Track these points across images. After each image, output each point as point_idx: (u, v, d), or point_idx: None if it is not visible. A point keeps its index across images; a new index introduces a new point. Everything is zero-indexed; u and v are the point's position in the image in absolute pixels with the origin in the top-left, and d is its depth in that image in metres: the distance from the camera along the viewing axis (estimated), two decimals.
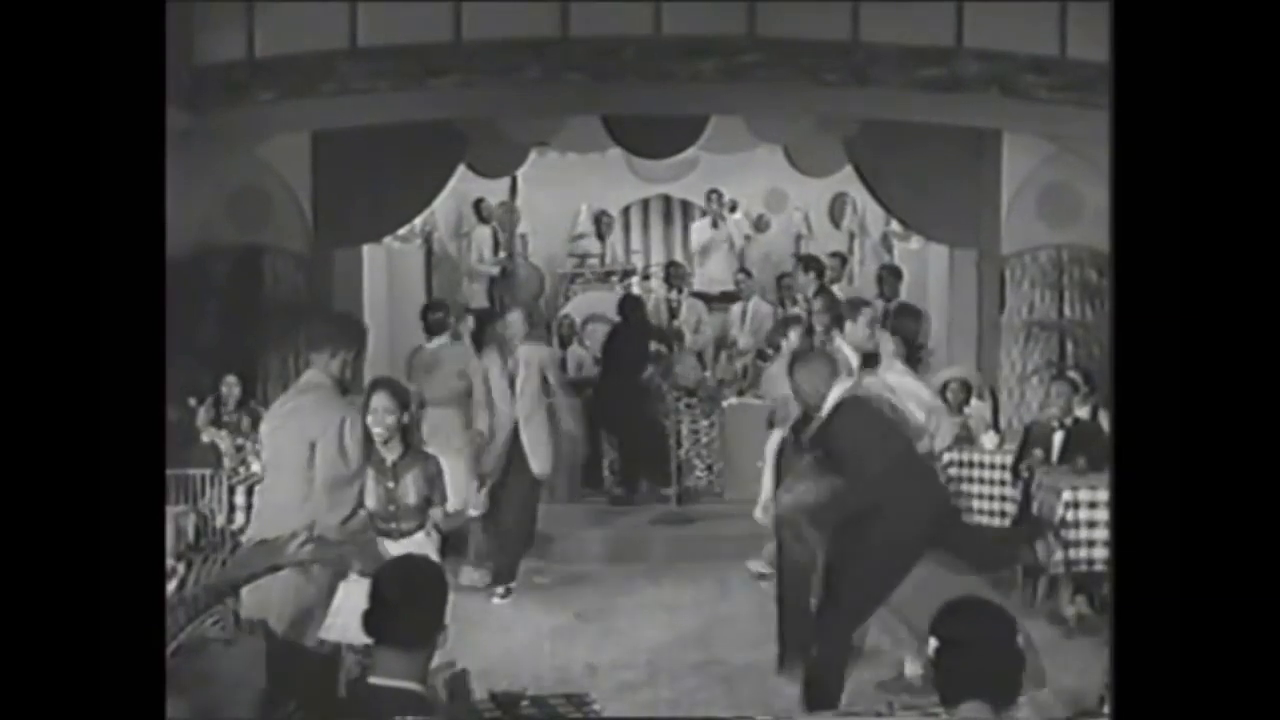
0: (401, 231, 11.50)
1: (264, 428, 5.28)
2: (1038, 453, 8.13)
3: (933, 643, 3.10)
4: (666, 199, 14.04)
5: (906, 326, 8.59)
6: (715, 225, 13.24)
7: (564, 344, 11.93)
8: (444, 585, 3.45)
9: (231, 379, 9.06)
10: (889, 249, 12.89)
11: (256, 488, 5.60)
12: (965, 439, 8.99)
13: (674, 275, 12.59)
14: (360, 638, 3.41)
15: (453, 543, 8.04)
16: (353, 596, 4.53)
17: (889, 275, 11.43)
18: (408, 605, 3.28)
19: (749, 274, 12.67)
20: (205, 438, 8.57)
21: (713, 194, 13.20)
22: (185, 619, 3.92)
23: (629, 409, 10.67)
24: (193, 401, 8.75)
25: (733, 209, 13.37)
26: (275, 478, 5.05)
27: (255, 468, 8.30)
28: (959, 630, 3.10)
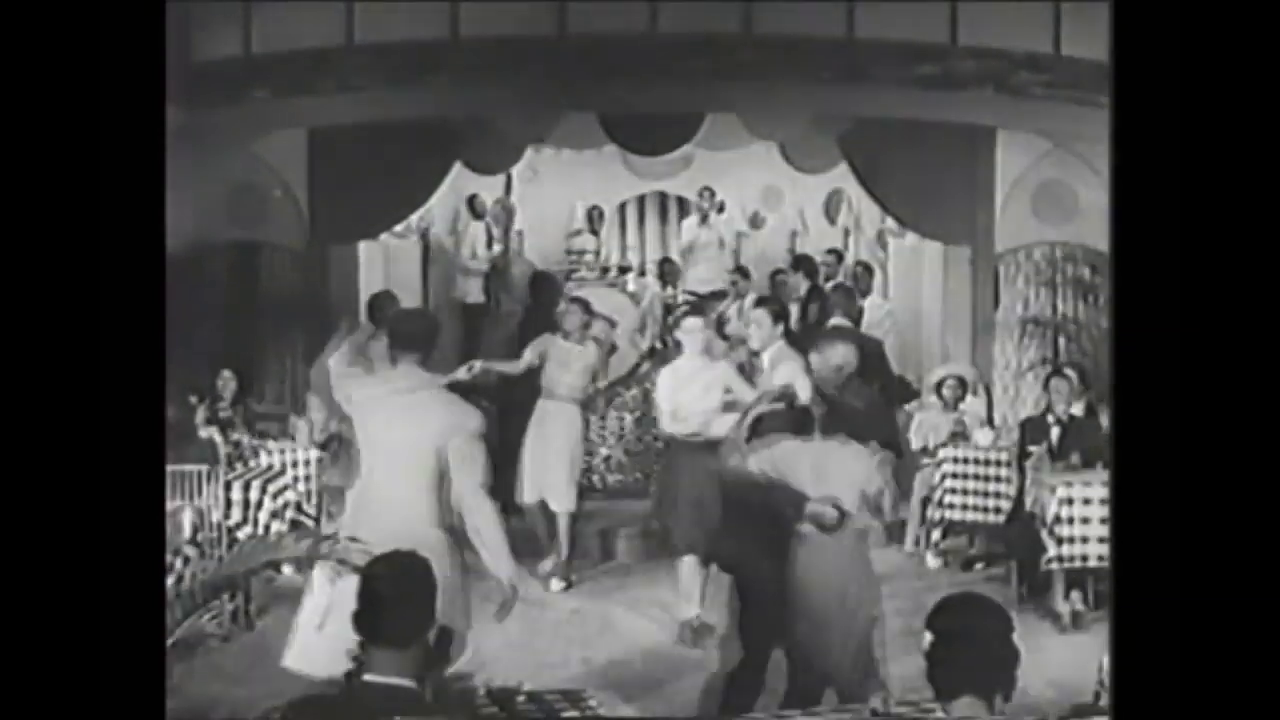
0: (398, 228, 11.50)
1: (364, 427, 4.93)
2: (1041, 446, 8.13)
3: (928, 636, 3.11)
4: (662, 195, 14.03)
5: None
6: (704, 223, 13.22)
7: None
8: (432, 581, 3.43)
9: (227, 374, 9.06)
10: (884, 246, 12.91)
11: (355, 487, 5.28)
12: (960, 435, 9.00)
13: (668, 272, 12.56)
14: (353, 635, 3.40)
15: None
16: (349, 594, 4.52)
17: (862, 272, 11.51)
18: (396, 603, 3.26)
19: (744, 273, 12.62)
20: (203, 434, 8.56)
21: (704, 191, 13.17)
22: (183, 614, 3.93)
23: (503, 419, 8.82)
24: (194, 399, 8.74)
25: (720, 209, 13.34)
26: (387, 478, 4.77)
27: (253, 463, 8.31)
28: (954, 624, 3.11)
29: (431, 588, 3.40)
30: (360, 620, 3.26)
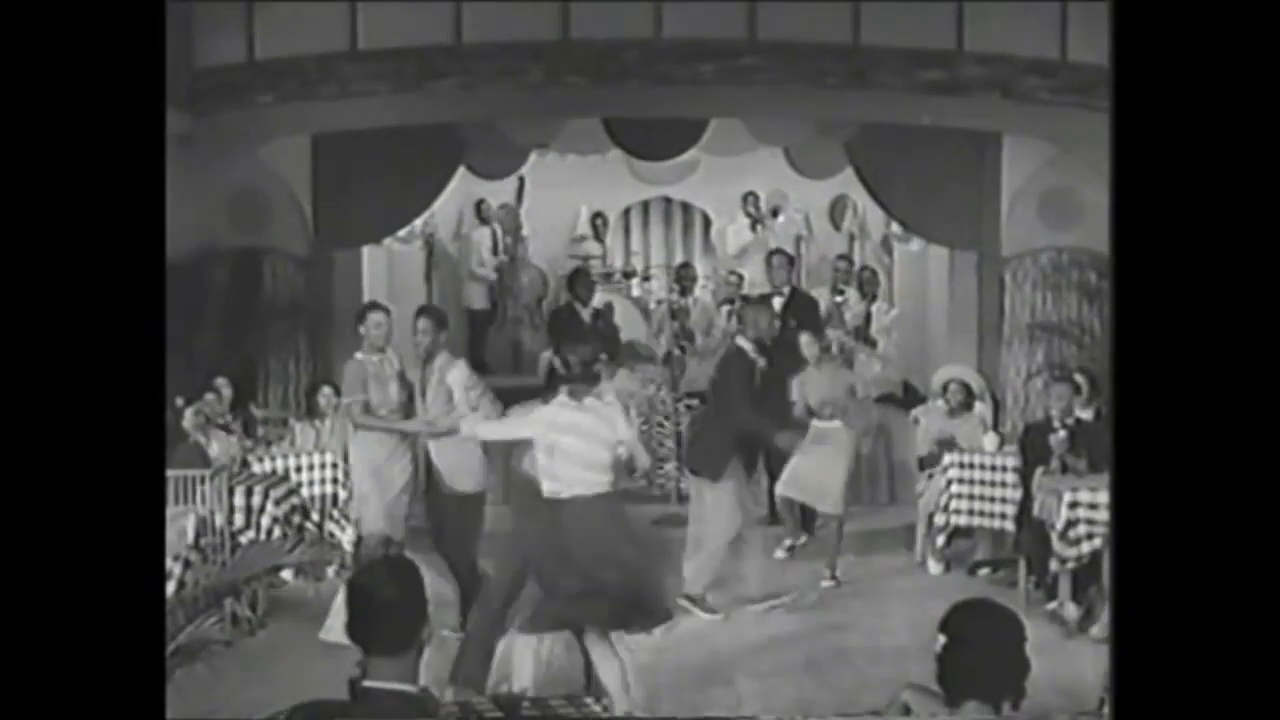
0: (401, 233, 11.51)
1: None
2: (1047, 451, 8.10)
3: (940, 639, 3.11)
4: (667, 201, 14.04)
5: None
6: (754, 229, 13.15)
7: None
8: (421, 584, 3.40)
9: (221, 381, 9.04)
10: (889, 251, 12.91)
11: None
12: (950, 442, 8.96)
13: (684, 277, 12.53)
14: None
15: None
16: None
17: (869, 277, 11.61)
18: (385, 610, 3.24)
19: (741, 277, 12.56)
20: (195, 439, 8.55)
21: (749, 196, 13.10)
22: (185, 619, 3.92)
23: None
24: (180, 403, 8.71)
25: (774, 213, 13.29)
26: None
27: (256, 469, 8.30)
28: (967, 629, 3.10)
29: (420, 591, 3.37)
30: (352, 629, 3.24)
